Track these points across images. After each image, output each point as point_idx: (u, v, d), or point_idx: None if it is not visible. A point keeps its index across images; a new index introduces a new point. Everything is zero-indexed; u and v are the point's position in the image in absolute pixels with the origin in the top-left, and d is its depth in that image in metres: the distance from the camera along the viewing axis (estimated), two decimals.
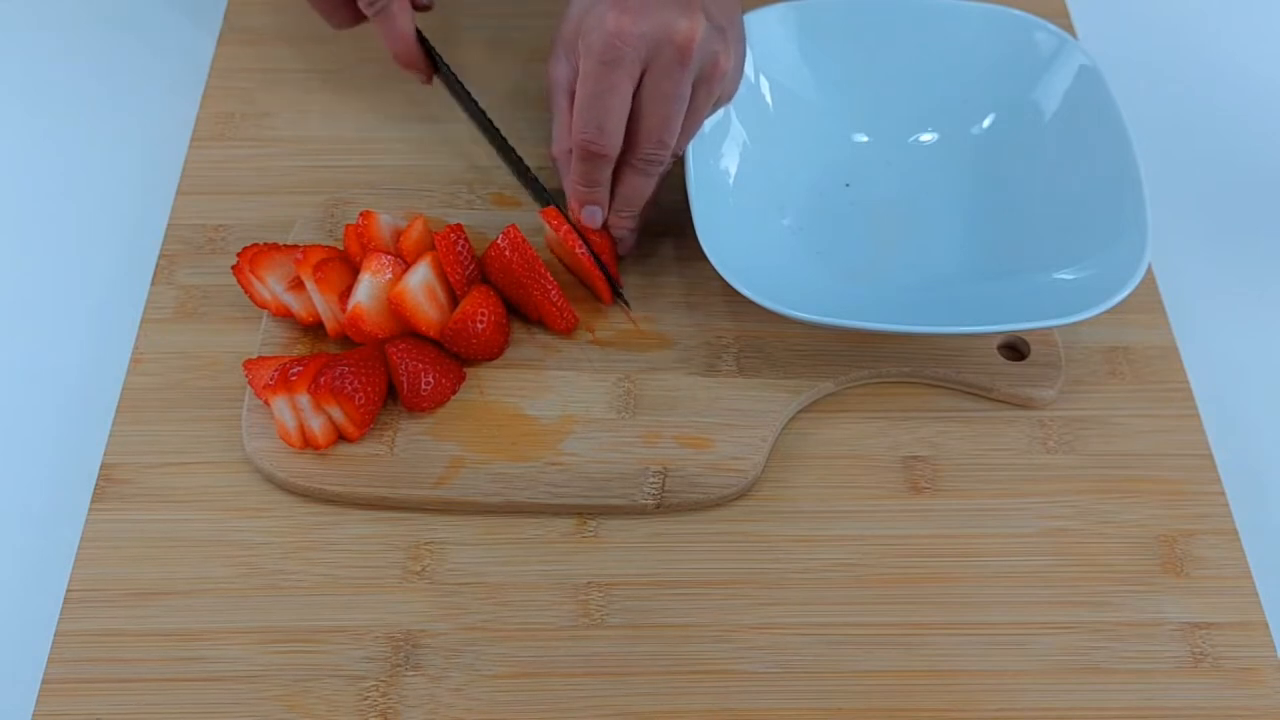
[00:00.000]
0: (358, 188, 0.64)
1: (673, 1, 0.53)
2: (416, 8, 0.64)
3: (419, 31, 0.63)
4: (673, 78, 0.53)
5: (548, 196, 0.62)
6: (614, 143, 0.55)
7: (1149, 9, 0.79)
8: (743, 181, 0.62)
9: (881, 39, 0.65)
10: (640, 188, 0.57)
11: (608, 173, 0.56)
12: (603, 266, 0.58)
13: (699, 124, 0.57)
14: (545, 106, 0.61)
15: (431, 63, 0.64)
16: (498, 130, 0.64)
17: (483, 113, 0.64)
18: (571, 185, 0.58)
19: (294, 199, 0.64)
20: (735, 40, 0.56)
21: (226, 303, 0.60)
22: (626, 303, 0.60)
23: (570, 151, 0.57)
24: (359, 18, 0.64)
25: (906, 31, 0.65)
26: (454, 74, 0.64)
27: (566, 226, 0.58)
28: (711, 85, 0.55)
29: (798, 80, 0.65)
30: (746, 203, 0.61)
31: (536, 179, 0.63)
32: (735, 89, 0.58)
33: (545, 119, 0.66)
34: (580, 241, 0.58)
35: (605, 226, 0.59)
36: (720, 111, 0.60)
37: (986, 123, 0.65)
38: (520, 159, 0.63)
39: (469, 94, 0.64)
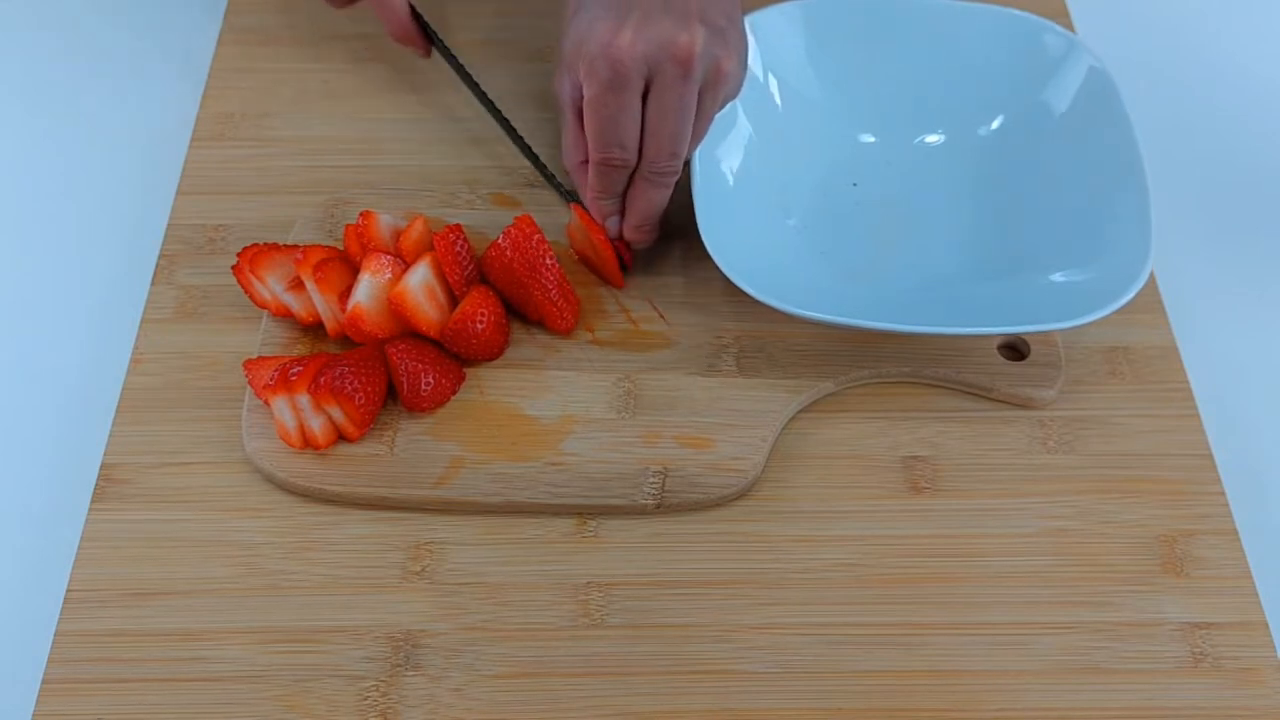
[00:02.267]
0: (358, 188, 0.64)
1: (669, 14, 0.53)
2: None
3: (413, 8, 0.63)
4: (677, 91, 0.54)
5: (541, 164, 0.64)
6: (633, 154, 0.56)
7: (1149, 9, 0.79)
8: (748, 181, 0.62)
9: (889, 40, 0.65)
10: (656, 199, 0.58)
11: (625, 179, 0.58)
12: (619, 254, 0.60)
13: (707, 128, 0.58)
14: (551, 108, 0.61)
15: (428, 37, 0.65)
16: (497, 108, 0.65)
17: (482, 91, 0.65)
18: (592, 199, 0.58)
19: (294, 199, 0.64)
20: (736, 39, 0.56)
21: (226, 303, 0.60)
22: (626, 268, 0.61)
23: (582, 163, 0.59)
24: None
25: (914, 32, 0.65)
26: (450, 50, 0.64)
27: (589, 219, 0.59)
28: (717, 90, 0.56)
29: (805, 80, 0.65)
30: (751, 202, 0.61)
31: (538, 156, 0.64)
32: (741, 85, 0.58)
33: (542, 120, 0.66)
34: (601, 231, 0.59)
35: (624, 238, 0.60)
36: (727, 109, 0.60)
37: (994, 124, 0.65)
38: (521, 137, 0.64)
39: (466, 70, 0.65)
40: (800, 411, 0.57)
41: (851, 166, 0.65)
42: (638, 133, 0.55)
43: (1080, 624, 0.51)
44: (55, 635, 0.50)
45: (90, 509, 0.53)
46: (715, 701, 0.49)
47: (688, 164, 0.59)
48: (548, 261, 0.57)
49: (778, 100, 0.64)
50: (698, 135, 0.57)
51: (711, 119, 0.57)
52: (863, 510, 0.54)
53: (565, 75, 0.58)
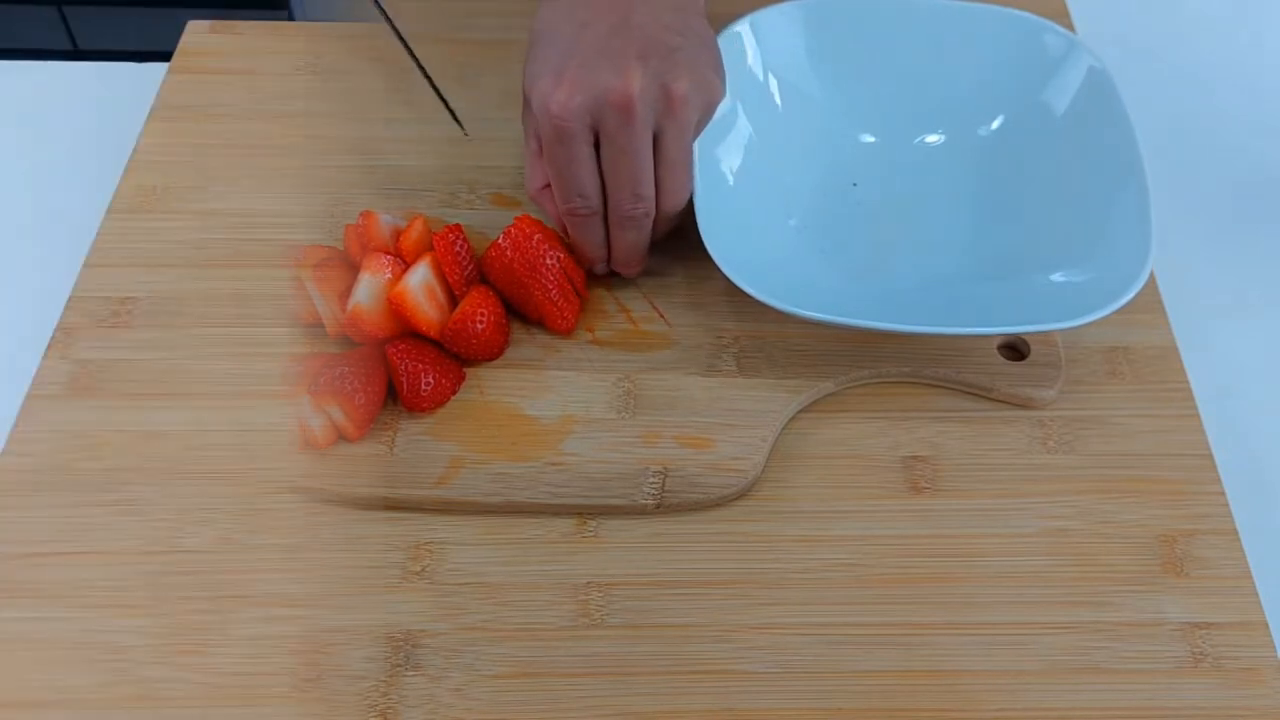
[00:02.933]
0: (358, 188, 0.64)
1: (606, 59, 0.53)
2: None
3: None
4: (624, 134, 0.53)
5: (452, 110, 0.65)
6: (595, 200, 0.56)
7: (1149, 9, 0.79)
8: (748, 181, 0.62)
9: (889, 40, 0.65)
10: (633, 242, 0.57)
11: (598, 226, 0.57)
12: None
13: (686, 156, 0.56)
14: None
15: None
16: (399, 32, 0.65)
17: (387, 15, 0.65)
18: (577, 248, 0.58)
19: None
20: (691, 55, 0.55)
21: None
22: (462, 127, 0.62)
23: (542, 188, 0.58)
24: None
25: (914, 32, 0.65)
26: None
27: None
28: (676, 118, 0.54)
29: (805, 80, 0.65)
30: (751, 202, 0.61)
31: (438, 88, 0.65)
32: (717, 92, 0.56)
33: None
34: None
35: (614, 273, 0.60)
36: (727, 109, 0.60)
37: (994, 124, 0.65)
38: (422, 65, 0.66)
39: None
40: (800, 411, 0.57)
41: (851, 166, 0.65)
42: (595, 180, 0.55)
43: (1080, 624, 0.51)
44: None
45: None
46: (715, 701, 0.49)
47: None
48: (548, 261, 0.57)
49: (778, 100, 0.64)
50: (679, 166, 0.55)
51: (687, 145, 0.55)
52: (863, 510, 0.54)
53: (529, 110, 0.57)
